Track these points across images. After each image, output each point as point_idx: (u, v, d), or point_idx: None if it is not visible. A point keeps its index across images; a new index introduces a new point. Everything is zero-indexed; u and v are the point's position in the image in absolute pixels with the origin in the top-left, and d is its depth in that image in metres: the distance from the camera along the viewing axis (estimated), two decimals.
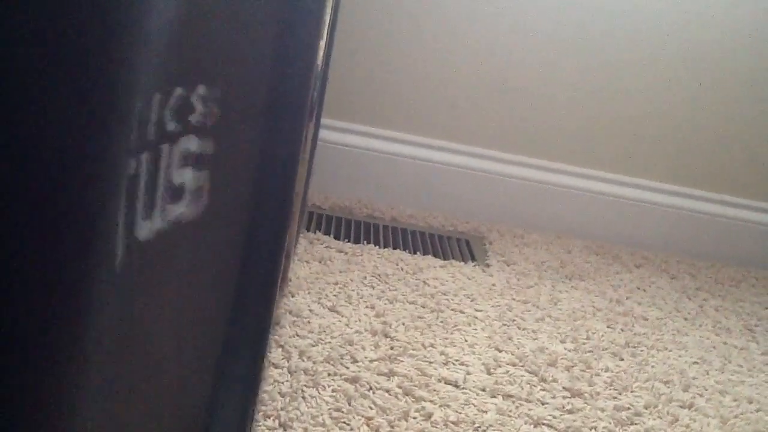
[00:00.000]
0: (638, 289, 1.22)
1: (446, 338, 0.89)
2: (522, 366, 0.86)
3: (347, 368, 0.77)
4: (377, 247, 1.16)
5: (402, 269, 1.08)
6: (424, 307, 0.96)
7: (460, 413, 0.73)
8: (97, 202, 0.27)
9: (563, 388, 0.82)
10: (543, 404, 0.78)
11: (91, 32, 0.14)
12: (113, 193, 0.28)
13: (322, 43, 0.57)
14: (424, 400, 0.74)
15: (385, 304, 0.95)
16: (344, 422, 0.68)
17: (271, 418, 0.67)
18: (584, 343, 0.95)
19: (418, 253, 1.17)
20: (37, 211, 0.23)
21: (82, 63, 0.14)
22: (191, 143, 0.36)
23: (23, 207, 0.22)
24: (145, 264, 0.34)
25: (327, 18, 0.60)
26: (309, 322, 0.85)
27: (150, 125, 0.31)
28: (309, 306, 0.90)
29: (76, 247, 0.27)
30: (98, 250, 0.29)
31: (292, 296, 0.91)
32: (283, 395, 0.70)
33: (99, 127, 0.15)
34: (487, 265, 1.18)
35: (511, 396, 0.78)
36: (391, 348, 0.83)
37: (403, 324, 0.90)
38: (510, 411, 0.76)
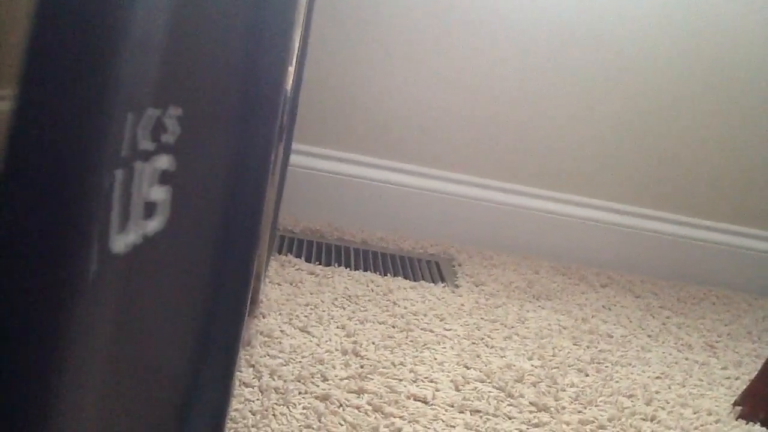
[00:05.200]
0: (603, 308, 1.24)
1: (416, 356, 0.90)
2: (490, 382, 0.87)
3: (318, 386, 0.78)
4: (348, 269, 1.17)
5: (372, 290, 1.10)
6: (394, 327, 0.98)
7: (429, 428, 0.75)
8: (73, 216, 0.28)
9: (530, 403, 0.84)
10: (510, 419, 0.80)
11: (77, 49, 0.15)
12: (89, 207, 0.29)
13: (291, 69, 0.60)
14: (394, 416, 0.76)
15: (356, 324, 0.96)
16: None
17: None
18: (550, 360, 0.97)
19: (388, 274, 1.19)
20: (15, 223, 0.24)
21: (68, 80, 0.16)
22: (163, 162, 0.38)
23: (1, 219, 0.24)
24: (118, 277, 0.35)
25: (295, 44, 0.62)
26: (280, 342, 0.87)
27: (123, 143, 0.33)
28: (280, 327, 0.91)
29: (52, 258, 0.28)
30: (73, 262, 0.31)
31: (264, 317, 0.93)
32: (253, 413, 0.71)
33: (77, 142, 0.17)
34: (457, 286, 1.20)
35: (478, 411, 0.80)
36: (362, 366, 0.85)
37: (374, 343, 0.91)
38: (478, 426, 0.77)
